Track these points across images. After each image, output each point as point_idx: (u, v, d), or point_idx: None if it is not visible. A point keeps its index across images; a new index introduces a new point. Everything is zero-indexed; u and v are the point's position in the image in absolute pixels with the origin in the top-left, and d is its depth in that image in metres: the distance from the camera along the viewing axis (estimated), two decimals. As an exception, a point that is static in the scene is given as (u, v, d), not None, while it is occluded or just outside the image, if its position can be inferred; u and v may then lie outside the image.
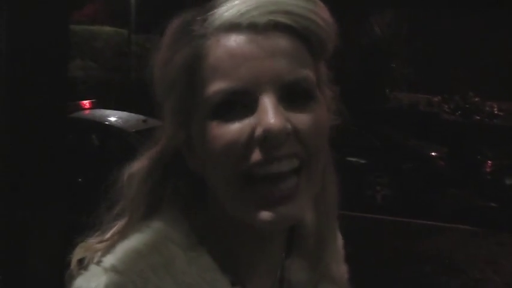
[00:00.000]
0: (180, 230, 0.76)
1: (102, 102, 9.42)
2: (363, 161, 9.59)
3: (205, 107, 0.70)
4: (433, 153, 9.94)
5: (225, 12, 0.69)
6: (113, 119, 7.50)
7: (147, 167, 0.79)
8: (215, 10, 0.70)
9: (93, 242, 0.80)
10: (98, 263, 0.75)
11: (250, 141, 0.68)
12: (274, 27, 0.68)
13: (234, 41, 0.68)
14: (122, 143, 6.79)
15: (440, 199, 9.12)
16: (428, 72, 17.43)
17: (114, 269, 0.72)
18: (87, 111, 8.00)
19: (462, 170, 10.21)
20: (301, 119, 0.69)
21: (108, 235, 0.79)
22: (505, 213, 8.40)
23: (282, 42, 0.69)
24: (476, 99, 15.49)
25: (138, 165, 0.80)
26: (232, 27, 0.69)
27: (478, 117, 15.14)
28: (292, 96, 0.69)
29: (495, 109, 15.37)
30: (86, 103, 8.38)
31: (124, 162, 0.81)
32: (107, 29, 17.64)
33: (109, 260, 0.74)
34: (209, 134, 0.70)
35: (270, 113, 0.66)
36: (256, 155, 0.68)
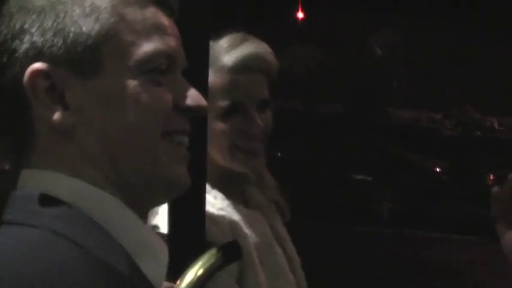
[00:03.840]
0: None
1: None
2: (369, 178, 9.90)
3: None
4: (436, 168, 10.25)
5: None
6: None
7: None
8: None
9: None
10: None
11: None
12: None
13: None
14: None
15: (443, 211, 9.40)
16: (428, 89, 17.78)
17: None
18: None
19: (464, 183, 10.46)
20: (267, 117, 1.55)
21: None
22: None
23: None
24: (476, 114, 15.73)
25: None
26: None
27: (479, 133, 15.37)
28: None
29: (495, 124, 15.61)
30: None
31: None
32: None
33: None
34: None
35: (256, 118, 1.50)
36: None
